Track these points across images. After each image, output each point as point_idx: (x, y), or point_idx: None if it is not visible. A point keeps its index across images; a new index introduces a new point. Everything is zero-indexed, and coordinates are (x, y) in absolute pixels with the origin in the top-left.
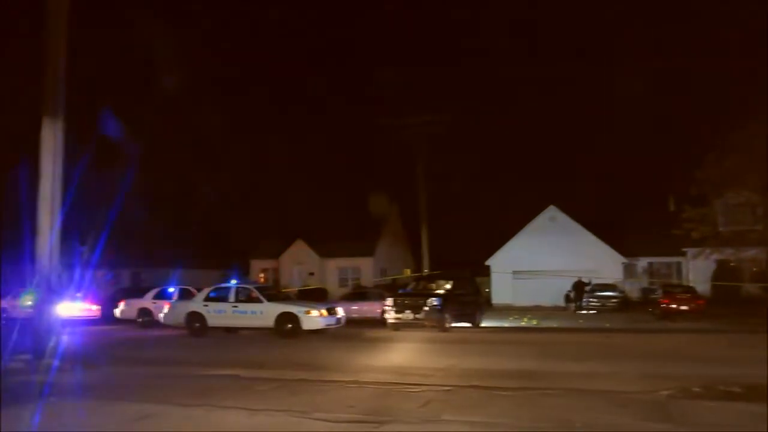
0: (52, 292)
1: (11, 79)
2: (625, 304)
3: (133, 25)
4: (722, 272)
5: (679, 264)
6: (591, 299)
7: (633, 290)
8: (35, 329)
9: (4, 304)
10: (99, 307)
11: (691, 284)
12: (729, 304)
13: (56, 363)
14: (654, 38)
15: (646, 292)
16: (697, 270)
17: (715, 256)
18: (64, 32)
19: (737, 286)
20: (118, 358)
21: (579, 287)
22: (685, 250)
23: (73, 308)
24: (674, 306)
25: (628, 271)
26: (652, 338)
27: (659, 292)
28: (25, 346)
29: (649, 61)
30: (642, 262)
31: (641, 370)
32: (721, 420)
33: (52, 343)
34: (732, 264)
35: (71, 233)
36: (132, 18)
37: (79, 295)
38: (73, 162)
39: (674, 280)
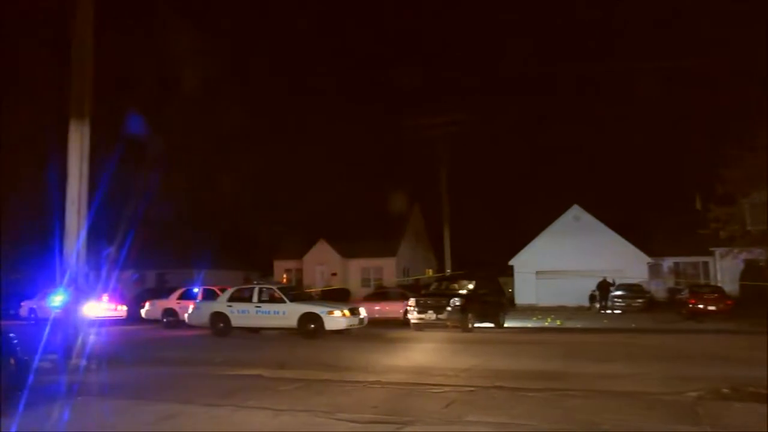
0: (79, 293)
1: (40, 81)
2: (650, 304)
3: (159, 25)
4: (751, 272)
5: (706, 264)
6: (616, 299)
7: (659, 290)
8: (63, 329)
9: (34, 304)
10: (125, 308)
11: (718, 284)
12: (758, 304)
13: (83, 362)
14: (679, 35)
15: (672, 292)
16: (725, 270)
17: (744, 256)
18: (91, 35)
19: (767, 286)
20: (144, 357)
21: (604, 287)
22: (712, 249)
23: (100, 308)
24: (701, 306)
25: (654, 271)
26: (679, 339)
27: (686, 293)
28: (53, 346)
29: (675, 58)
30: (668, 262)
31: (668, 372)
32: (751, 422)
33: (79, 343)
34: (761, 264)
35: (98, 234)
36: (158, 18)
37: (105, 295)
38: (100, 163)
39: (701, 280)
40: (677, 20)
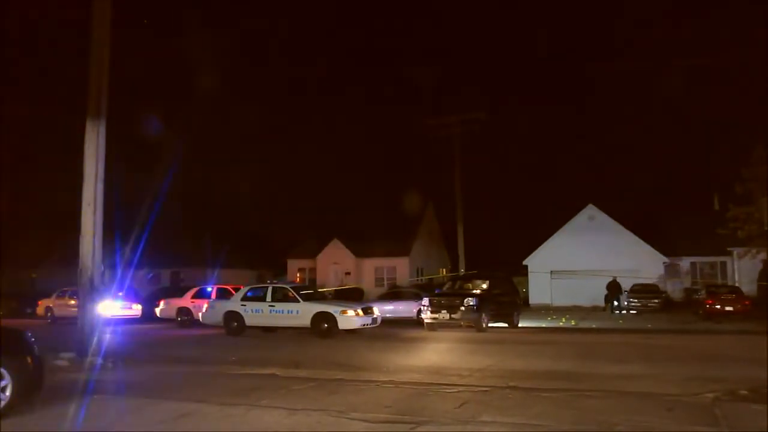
0: (94, 292)
1: (57, 80)
2: (666, 304)
3: (173, 26)
4: None
5: (724, 264)
6: (631, 299)
7: (675, 291)
8: (79, 328)
9: (50, 303)
10: (140, 306)
11: (736, 284)
12: None
13: (99, 361)
14: (697, 33)
15: (689, 292)
16: (743, 270)
17: (762, 256)
18: (107, 37)
19: None
20: (158, 356)
21: (613, 288)
22: (730, 249)
23: (115, 307)
24: (719, 307)
25: (671, 271)
26: (696, 339)
27: (703, 293)
28: (69, 345)
29: (694, 56)
30: (685, 262)
31: (685, 372)
32: None
33: (94, 342)
34: None
35: (113, 233)
36: (171, 20)
37: (120, 294)
38: (116, 163)
39: (718, 281)
40: (700, 16)
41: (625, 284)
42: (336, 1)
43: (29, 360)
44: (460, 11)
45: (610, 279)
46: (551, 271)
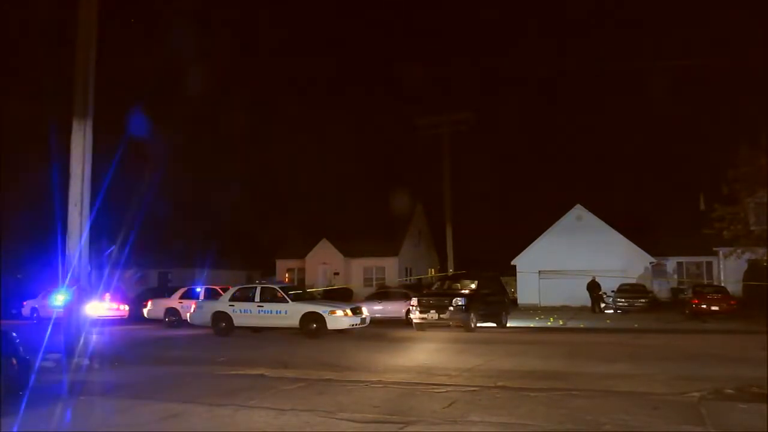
0: (81, 292)
1: (43, 80)
2: (653, 304)
3: (162, 24)
4: (754, 272)
5: (710, 263)
6: (618, 299)
7: (662, 290)
8: (65, 328)
9: (36, 303)
10: (127, 307)
11: (722, 284)
12: (761, 304)
13: (86, 362)
14: (685, 35)
15: (675, 292)
16: (729, 270)
17: (747, 256)
18: (94, 36)
19: None
20: (146, 357)
21: (593, 287)
22: (716, 249)
23: (102, 308)
24: (705, 306)
25: (657, 270)
26: (682, 339)
27: (689, 293)
28: (55, 346)
29: (680, 58)
30: (671, 262)
31: (671, 372)
32: (755, 422)
33: (81, 343)
34: (764, 263)
35: (100, 233)
36: (160, 17)
37: (107, 294)
38: (103, 163)
39: (704, 280)
40: (687, 18)
41: (613, 284)
42: (325, 1)
43: (14, 361)
44: (453, 10)
45: (590, 279)
46: (539, 271)
